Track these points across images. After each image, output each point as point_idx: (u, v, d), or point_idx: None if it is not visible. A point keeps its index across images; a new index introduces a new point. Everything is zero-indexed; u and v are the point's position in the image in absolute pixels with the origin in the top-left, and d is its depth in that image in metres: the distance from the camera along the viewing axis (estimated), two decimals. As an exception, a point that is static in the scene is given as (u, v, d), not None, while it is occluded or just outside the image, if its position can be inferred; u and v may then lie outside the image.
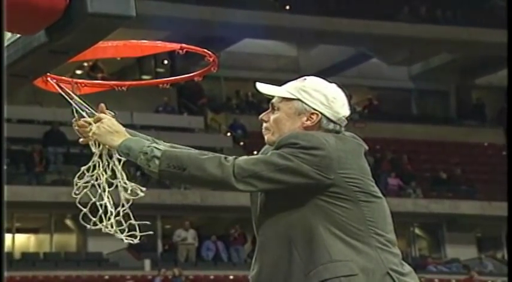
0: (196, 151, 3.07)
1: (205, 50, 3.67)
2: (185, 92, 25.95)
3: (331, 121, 3.04)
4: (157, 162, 2.92)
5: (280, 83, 3.19)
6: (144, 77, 26.01)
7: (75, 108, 3.17)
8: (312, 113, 3.03)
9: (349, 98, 3.19)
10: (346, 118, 3.08)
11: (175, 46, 3.58)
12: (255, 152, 3.27)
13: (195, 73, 3.76)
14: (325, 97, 3.04)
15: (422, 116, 29.52)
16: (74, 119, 3.16)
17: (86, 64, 23.46)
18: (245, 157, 2.98)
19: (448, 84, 29.82)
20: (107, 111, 3.19)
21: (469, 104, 30.20)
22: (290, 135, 2.97)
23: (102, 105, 3.18)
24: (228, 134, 25.32)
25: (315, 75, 3.19)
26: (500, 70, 28.70)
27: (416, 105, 30.38)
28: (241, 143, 24.67)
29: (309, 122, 3.02)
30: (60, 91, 3.21)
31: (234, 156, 2.98)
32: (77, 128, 3.17)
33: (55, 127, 22.51)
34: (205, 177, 2.90)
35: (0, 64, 2.43)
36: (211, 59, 3.63)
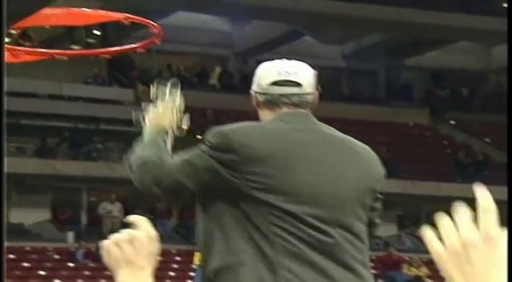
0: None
1: (151, 21, 3.56)
2: (116, 64, 25.57)
3: (261, 94, 3.00)
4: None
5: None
6: (74, 46, 25.50)
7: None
8: (253, 97, 3.04)
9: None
10: (284, 82, 2.99)
11: (119, 16, 3.46)
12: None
13: (138, 44, 3.66)
14: (256, 76, 3.05)
15: (352, 96, 29.74)
16: None
17: (13, 32, 22.84)
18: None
19: (378, 64, 30.09)
20: None
21: (398, 85, 30.55)
22: (212, 131, 2.95)
23: None
24: (158, 107, 25.06)
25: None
26: (429, 52, 29.09)
27: (347, 84, 30.59)
28: (171, 117, 24.45)
29: (256, 106, 3.04)
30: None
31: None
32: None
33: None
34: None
35: (0, 60, 2.31)
36: (156, 31, 3.53)
